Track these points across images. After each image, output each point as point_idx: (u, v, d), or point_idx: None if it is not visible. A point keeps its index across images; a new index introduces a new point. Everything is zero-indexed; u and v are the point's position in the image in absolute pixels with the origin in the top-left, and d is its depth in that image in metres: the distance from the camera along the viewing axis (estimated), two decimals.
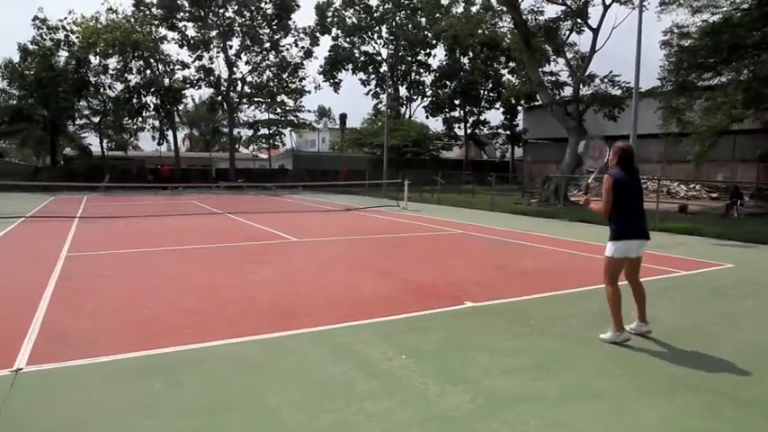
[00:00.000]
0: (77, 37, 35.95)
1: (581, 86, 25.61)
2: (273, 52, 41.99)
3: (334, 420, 3.36)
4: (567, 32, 26.63)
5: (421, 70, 50.31)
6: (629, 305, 5.14)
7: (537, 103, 35.70)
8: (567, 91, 27.85)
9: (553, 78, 29.34)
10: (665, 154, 35.93)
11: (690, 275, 8.35)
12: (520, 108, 47.36)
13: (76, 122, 42.12)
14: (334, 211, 20.61)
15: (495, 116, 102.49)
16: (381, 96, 49.25)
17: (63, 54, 36.90)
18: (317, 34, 43.53)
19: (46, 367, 4.21)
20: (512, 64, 43.34)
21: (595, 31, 24.30)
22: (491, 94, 49.54)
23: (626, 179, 4.86)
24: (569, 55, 27.75)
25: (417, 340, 4.92)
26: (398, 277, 7.75)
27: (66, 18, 36.60)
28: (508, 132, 50.96)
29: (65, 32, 36.52)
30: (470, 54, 47.63)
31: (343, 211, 20.42)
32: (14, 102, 38.19)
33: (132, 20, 37.07)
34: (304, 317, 5.62)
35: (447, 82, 49.23)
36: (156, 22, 38.38)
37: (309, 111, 52.85)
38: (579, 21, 25.55)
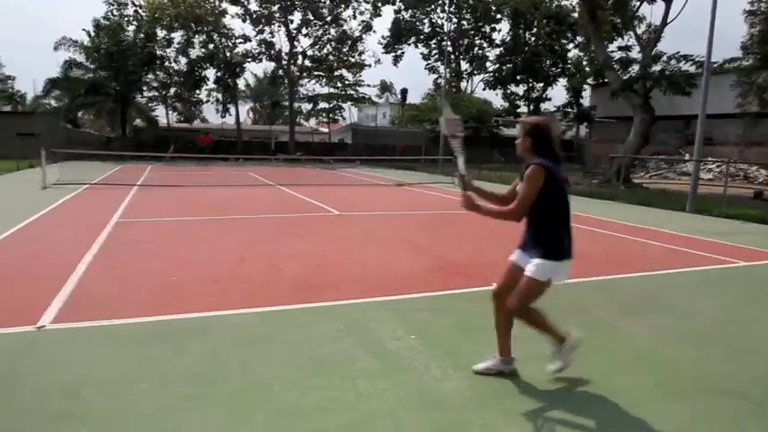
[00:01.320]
0: (144, 12, 37.13)
1: (650, 63, 24.07)
2: (334, 25, 41.93)
3: (323, 397, 3.26)
4: (638, 3, 25.02)
5: (484, 44, 48.92)
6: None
7: (605, 80, 33.93)
8: (636, 67, 26.16)
9: (623, 54, 27.57)
10: (744, 135, 33.65)
11: (748, 267, 7.67)
12: (586, 86, 45.40)
13: (144, 95, 43.83)
14: (386, 185, 20.49)
15: (559, 93, 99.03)
16: (441, 70, 48.30)
17: (131, 29, 38.23)
18: (379, 4, 42.98)
19: (65, 326, 4.38)
20: (579, 38, 41.43)
21: (668, 1, 22.68)
22: (554, 69, 47.62)
23: (558, 173, 3.34)
24: (640, 29, 26.13)
25: (433, 320, 4.75)
26: (432, 254, 7.56)
27: None
28: (574, 110, 49.03)
29: (133, 8, 37.82)
30: (534, 28, 45.85)
31: (393, 186, 20.27)
32: (90, 75, 40.05)
33: None
34: (324, 291, 5.55)
35: (510, 57, 47.66)
36: None
37: (370, 85, 52.73)
38: None
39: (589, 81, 45.23)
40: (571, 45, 45.43)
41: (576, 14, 34.70)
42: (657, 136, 35.58)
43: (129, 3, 37.64)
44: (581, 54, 43.46)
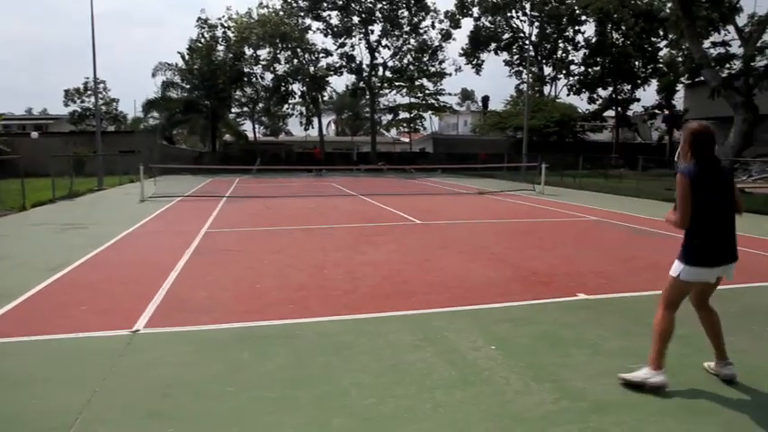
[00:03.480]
0: (233, 32, 39.14)
1: (755, 56, 22.26)
2: (413, 35, 42.19)
3: (400, 406, 3.24)
4: None
5: (568, 47, 47.38)
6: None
7: (700, 79, 31.77)
8: (737, 63, 24.25)
9: (723, 50, 25.61)
10: None
11: None
12: (679, 85, 42.77)
13: (233, 111, 46.05)
14: (467, 194, 20.27)
15: (650, 95, 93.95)
16: (523, 76, 47.26)
17: (221, 49, 40.36)
18: (458, 16, 42.82)
19: (157, 330, 4.65)
20: (671, 36, 39.15)
21: None
22: (644, 70, 45.19)
23: (702, 177, 3.39)
24: (742, 21, 24.24)
25: (513, 331, 4.61)
26: (512, 264, 7.37)
27: (223, 16, 40.05)
28: (666, 112, 46.35)
29: (222, 29, 39.94)
30: (623, 27, 43.81)
31: (475, 194, 20.01)
32: (185, 95, 42.71)
33: (281, 12, 39.34)
34: (402, 300, 5.54)
35: (597, 59, 45.78)
36: (302, 14, 40.33)
37: (451, 94, 52.49)
38: None
39: (683, 80, 42.61)
40: (663, 43, 43.04)
41: (668, 10, 32.75)
42: (761, 136, 32.96)
43: (219, 25, 39.74)
44: (673, 52, 41.05)
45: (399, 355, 4.05)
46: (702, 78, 27.23)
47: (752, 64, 21.96)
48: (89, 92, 40.83)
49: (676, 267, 3.53)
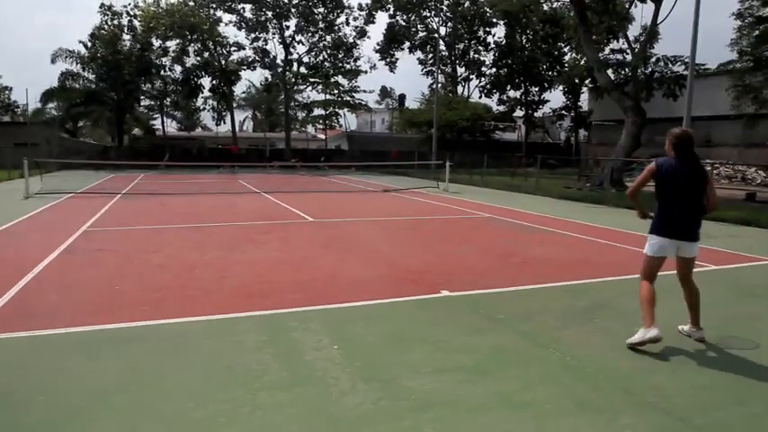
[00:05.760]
0: (139, 21, 37.36)
1: (640, 64, 23.86)
2: (329, 32, 41.97)
3: (217, 411, 3.17)
4: (628, 4, 24.85)
5: (480, 48, 48.74)
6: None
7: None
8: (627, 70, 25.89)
9: (621, 57, 27.26)
10: (743, 137, 33.31)
11: (717, 271, 7.45)
12: (584, 89, 45.15)
13: (143, 104, 43.98)
14: (372, 191, 20.40)
15: (557, 97, 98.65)
16: (435, 74, 48.16)
17: (127, 38, 38.45)
18: (373, 12, 43.02)
19: None
20: (573, 41, 41.21)
21: (657, 2, 22.52)
22: (550, 74, 47.34)
23: (673, 168, 4.29)
24: (636, 31, 25.89)
25: (364, 330, 4.64)
26: (388, 261, 7.45)
27: (129, 4, 38.13)
28: (572, 114, 48.79)
29: (128, 17, 38.04)
30: (529, 32, 45.65)
31: (380, 192, 20.16)
32: (89, 85, 40.26)
33: (191, 3, 37.98)
34: (263, 300, 5.45)
35: (506, 61, 47.41)
36: (213, 5, 39.11)
37: (366, 91, 52.81)
38: None
39: (587, 83, 44.99)
40: (567, 48, 45.23)
41: (572, 16, 34.43)
42: (656, 138, 35.39)
43: (124, 13, 37.84)
44: (577, 57, 43.27)
45: (238, 357, 3.97)
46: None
47: (637, 71, 23.46)
48: None
49: (646, 246, 4.48)
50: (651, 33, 23.22)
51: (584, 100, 47.30)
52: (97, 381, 3.55)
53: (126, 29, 38.20)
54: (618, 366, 3.98)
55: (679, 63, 22.33)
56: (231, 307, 5.16)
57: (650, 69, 23.33)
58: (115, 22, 37.90)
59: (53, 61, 38.86)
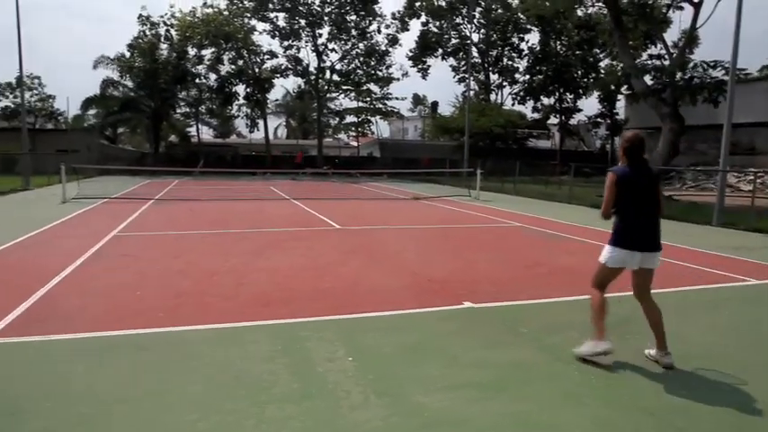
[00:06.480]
0: (176, 31, 38.26)
1: (678, 69, 23.12)
2: (361, 40, 42.15)
3: (221, 423, 3.09)
4: (665, 9, 24.17)
5: (513, 55, 48.21)
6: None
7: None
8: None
9: (658, 62, 26.50)
10: None
11: (760, 285, 7.11)
12: (620, 96, 44.16)
13: (179, 111, 44.97)
14: (403, 199, 20.27)
15: (592, 104, 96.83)
16: (467, 81, 47.85)
17: (164, 47, 39.43)
18: (406, 19, 42.99)
19: (10, 341, 4.36)
20: (609, 47, 40.38)
21: (697, 6, 21.84)
22: (585, 80, 46.42)
23: (629, 176, 4.06)
24: (674, 36, 25.18)
25: (380, 341, 4.51)
26: (412, 271, 7.29)
27: (166, 14, 39.15)
28: (608, 121, 47.76)
29: (165, 27, 38.98)
30: (564, 38, 44.91)
31: (410, 199, 20.02)
32: (128, 93, 41.46)
33: (225, 12, 38.69)
34: (281, 307, 5.38)
35: (540, 67, 46.74)
36: (248, 15, 39.73)
37: (398, 98, 52.68)
38: None
39: (623, 90, 44.00)
40: (603, 54, 44.34)
41: (607, 21, 33.73)
42: (696, 146, 34.30)
43: (161, 23, 38.79)
44: (613, 63, 42.40)
45: (248, 367, 3.89)
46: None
47: (675, 77, 22.76)
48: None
49: (603, 254, 4.20)
50: (690, 38, 22.50)
51: (621, 107, 46.33)
52: (103, 389, 3.51)
53: (163, 38, 39.16)
54: (644, 386, 3.76)
55: (719, 68, 21.55)
56: (247, 315, 5.10)
57: (689, 75, 22.58)
58: (153, 31, 38.87)
59: (95, 67, 40.20)
